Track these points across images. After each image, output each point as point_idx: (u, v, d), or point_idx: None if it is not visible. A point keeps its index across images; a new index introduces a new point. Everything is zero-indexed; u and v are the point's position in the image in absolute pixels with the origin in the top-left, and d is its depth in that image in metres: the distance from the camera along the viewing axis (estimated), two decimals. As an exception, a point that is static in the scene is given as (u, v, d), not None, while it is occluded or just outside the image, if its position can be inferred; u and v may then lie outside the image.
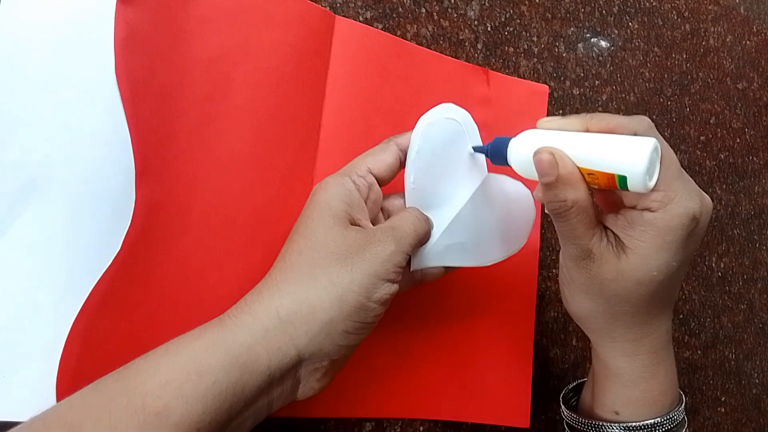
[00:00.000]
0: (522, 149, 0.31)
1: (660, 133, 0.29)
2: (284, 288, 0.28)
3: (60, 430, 0.23)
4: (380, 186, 0.33)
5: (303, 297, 0.27)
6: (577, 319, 0.34)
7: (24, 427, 0.24)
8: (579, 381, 0.40)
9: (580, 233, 0.29)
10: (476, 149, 0.35)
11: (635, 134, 0.29)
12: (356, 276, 0.28)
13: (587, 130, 0.30)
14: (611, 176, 0.27)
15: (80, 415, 0.23)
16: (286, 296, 0.28)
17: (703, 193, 0.30)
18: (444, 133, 0.34)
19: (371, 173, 0.32)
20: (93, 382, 0.25)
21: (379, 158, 0.33)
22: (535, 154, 0.29)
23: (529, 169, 0.30)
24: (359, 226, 0.31)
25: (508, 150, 0.32)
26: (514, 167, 0.32)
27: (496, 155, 0.33)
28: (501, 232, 0.36)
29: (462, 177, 0.35)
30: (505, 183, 0.36)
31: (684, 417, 0.34)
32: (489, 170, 0.36)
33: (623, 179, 0.27)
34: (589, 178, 0.29)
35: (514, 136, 0.32)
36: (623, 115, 0.30)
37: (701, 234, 0.31)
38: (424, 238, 0.32)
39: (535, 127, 0.32)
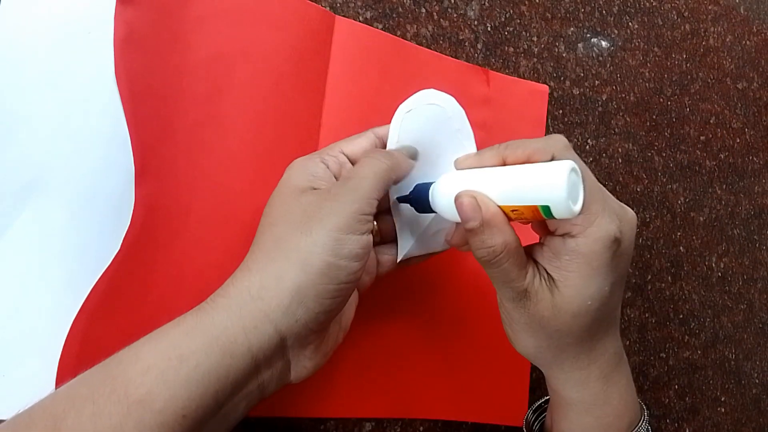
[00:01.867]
0: (444, 193, 0.30)
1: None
2: (253, 267, 0.27)
3: (44, 422, 0.23)
4: None
5: (269, 271, 0.27)
6: (524, 356, 0.32)
7: (11, 420, 0.24)
8: (540, 401, 0.40)
9: (514, 276, 0.28)
10: (399, 199, 0.33)
11: (552, 157, 0.27)
12: (317, 237, 0.27)
13: (504, 163, 0.29)
14: (535, 208, 0.26)
15: (64, 405, 0.23)
16: (254, 274, 0.27)
17: (625, 207, 0.29)
18: (426, 119, 0.33)
19: (343, 154, 0.32)
20: (79, 375, 0.25)
21: (354, 141, 0.32)
22: (456, 199, 0.28)
23: (455, 214, 0.29)
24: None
25: (431, 196, 0.31)
26: (440, 213, 0.31)
27: (419, 204, 0.32)
28: None
29: (451, 163, 0.34)
30: None
31: (648, 430, 0.33)
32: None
33: (547, 209, 0.26)
34: (513, 214, 0.27)
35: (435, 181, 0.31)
36: (541, 137, 0.28)
37: (628, 252, 0.29)
38: (387, 175, 0.30)
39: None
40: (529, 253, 0.30)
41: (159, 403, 0.23)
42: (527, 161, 0.28)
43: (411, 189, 0.32)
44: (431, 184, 0.31)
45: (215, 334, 0.25)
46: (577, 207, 0.26)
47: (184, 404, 0.24)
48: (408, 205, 0.33)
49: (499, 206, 0.28)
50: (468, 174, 0.29)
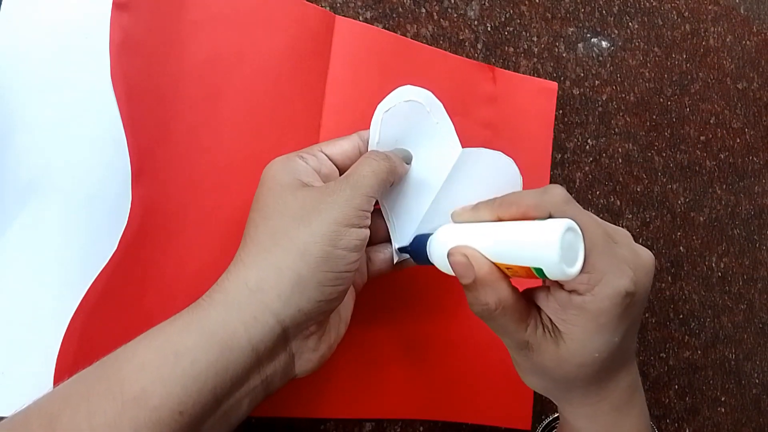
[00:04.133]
0: (440, 248, 0.30)
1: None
2: (248, 260, 0.27)
3: (40, 420, 0.23)
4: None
5: (267, 263, 0.27)
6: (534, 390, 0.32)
7: (8, 419, 0.24)
8: (549, 419, 0.39)
9: (512, 329, 0.28)
10: (401, 250, 0.33)
11: (549, 215, 0.26)
12: (315, 228, 0.27)
13: (499, 219, 0.28)
14: (529, 269, 0.26)
15: (60, 404, 0.23)
16: (251, 267, 0.27)
17: (640, 252, 0.28)
18: (405, 117, 0.33)
19: (323, 153, 0.32)
20: (76, 373, 0.25)
21: (335, 143, 0.32)
22: (449, 256, 0.28)
23: (450, 268, 0.29)
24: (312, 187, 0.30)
25: (428, 248, 0.31)
26: (438, 267, 0.31)
27: (418, 256, 0.32)
28: None
29: (434, 158, 0.34)
30: (482, 155, 0.34)
31: None
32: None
33: (540, 271, 0.25)
34: (508, 272, 0.27)
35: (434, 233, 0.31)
36: (539, 189, 0.27)
37: (644, 298, 0.28)
38: (386, 176, 0.30)
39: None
40: (532, 298, 0.29)
41: (154, 400, 0.23)
42: (523, 218, 0.27)
43: (411, 238, 0.33)
44: (429, 236, 0.31)
45: (213, 329, 0.25)
46: (574, 269, 0.25)
47: (180, 401, 0.24)
48: (397, 204, 0.33)
49: (494, 263, 0.27)
50: (464, 229, 0.29)
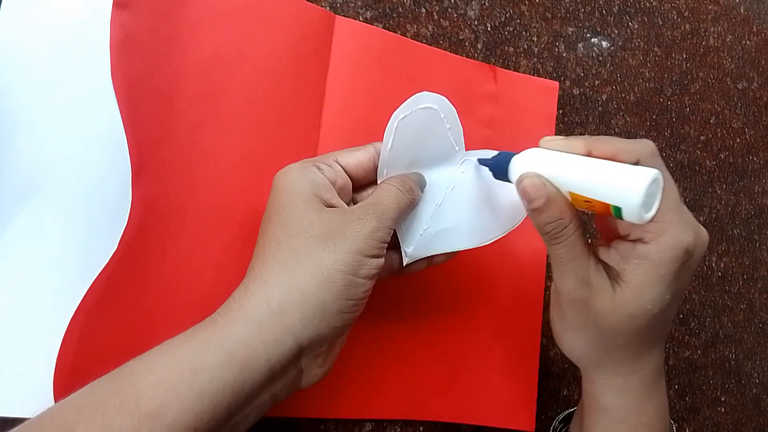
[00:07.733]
0: (524, 167, 0.31)
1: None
2: (270, 279, 0.27)
3: (53, 431, 0.23)
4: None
5: (291, 284, 0.27)
6: (569, 355, 0.33)
7: (19, 428, 0.24)
8: (569, 411, 0.40)
9: (578, 252, 0.29)
10: (481, 162, 0.34)
11: (638, 161, 0.28)
12: (340, 255, 0.27)
13: (589, 154, 0.29)
14: (607, 205, 0.27)
15: (74, 416, 0.23)
16: (273, 286, 0.27)
17: (700, 226, 0.30)
18: (420, 123, 0.33)
19: (338, 164, 0.32)
20: (88, 384, 0.25)
21: (351, 153, 0.32)
22: (519, 181, 0.29)
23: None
24: (332, 206, 0.30)
25: (510, 168, 0.31)
26: (515, 186, 0.31)
27: (499, 171, 0.33)
28: (494, 209, 0.35)
29: (443, 161, 0.34)
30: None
31: None
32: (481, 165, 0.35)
33: (618, 210, 0.27)
34: (585, 204, 0.29)
35: (518, 152, 0.32)
36: (630, 139, 0.29)
37: (694, 267, 0.30)
38: (407, 208, 0.32)
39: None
40: (595, 254, 0.31)
41: (170, 416, 0.23)
42: (612, 158, 0.29)
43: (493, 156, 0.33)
44: (513, 154, 0.32)
45: (232, 348, 0.25)
46: (649, 215, 0.27)
47: (196, 417, 0.24)
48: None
49: (571, 193, 0.29)
50: (550, 155, 0.30)
